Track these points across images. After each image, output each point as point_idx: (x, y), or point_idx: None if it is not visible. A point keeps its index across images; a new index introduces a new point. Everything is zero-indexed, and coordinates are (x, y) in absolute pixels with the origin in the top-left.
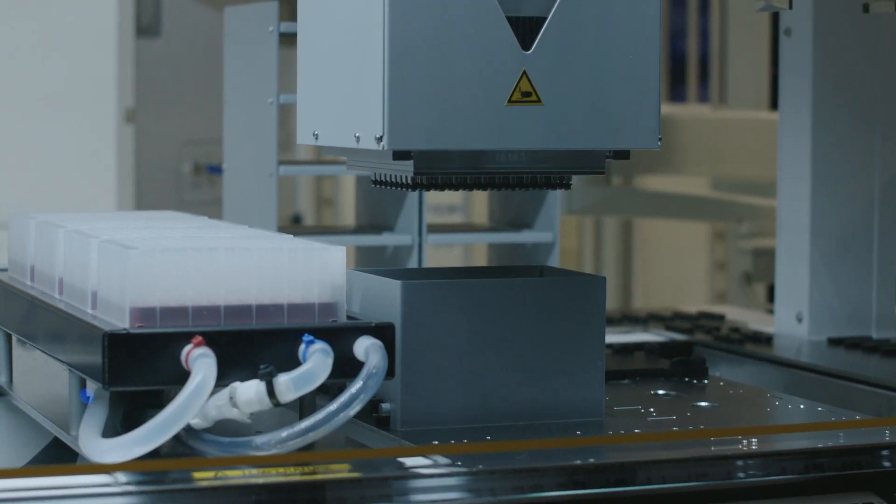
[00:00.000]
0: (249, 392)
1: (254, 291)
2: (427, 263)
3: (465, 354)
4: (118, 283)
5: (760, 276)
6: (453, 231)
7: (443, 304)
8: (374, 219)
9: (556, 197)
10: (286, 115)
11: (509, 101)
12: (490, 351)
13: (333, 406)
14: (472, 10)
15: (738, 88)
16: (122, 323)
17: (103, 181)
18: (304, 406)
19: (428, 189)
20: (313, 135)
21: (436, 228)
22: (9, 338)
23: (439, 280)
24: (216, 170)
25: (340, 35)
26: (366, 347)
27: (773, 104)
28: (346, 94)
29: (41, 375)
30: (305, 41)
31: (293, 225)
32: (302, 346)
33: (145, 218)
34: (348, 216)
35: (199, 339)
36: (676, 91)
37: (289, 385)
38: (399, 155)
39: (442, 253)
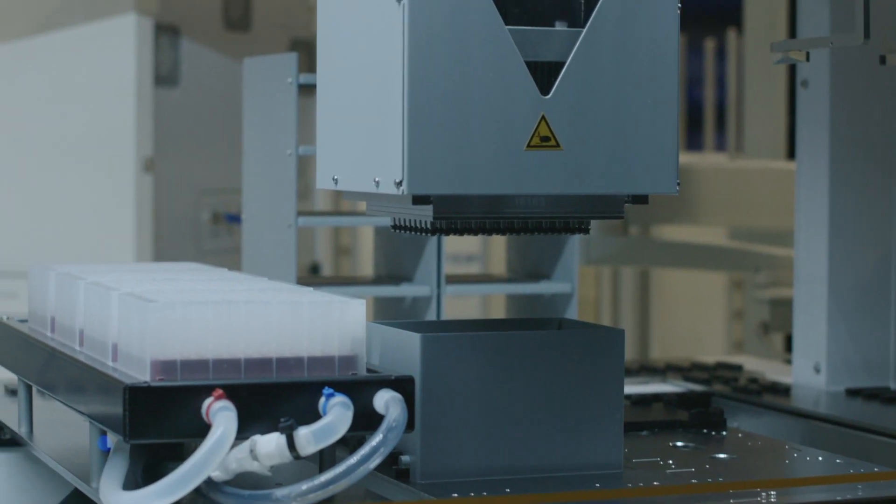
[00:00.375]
0: (270, 445)
1: (274, 344)
2: (445, 313)
3: (484, 407)
4: (139, 336)
5: (778, 325)
6: (472, 282)
7: (462, 357)
8: (393, 269)
9: (574, 247)
10: (304, 165)
11: (528, 145)
12: (509, 403)
13: (353, 459)
14: (491, 55)
15: (755, 137)
16: (143, 376)
17: (122, 230)
18: (325, 459)
19: (447, 234)
20: (333, 179)
21: (454, 279)
22: (29, 388)
23: (459, 333)
24: (234, 219)
25: (360, 79)
26: (386, 400)
27: (790, 153)
28: (365, 139)
29: (61, 426)
30: (325, 86)
31: (311, 276)
32: (322, 399)
33: (165, 270)
34: (366, 265)
35: (219, 392)
36: (693, 138)
37: (309, 438)
38: (418, 199)
39: (460, 303)
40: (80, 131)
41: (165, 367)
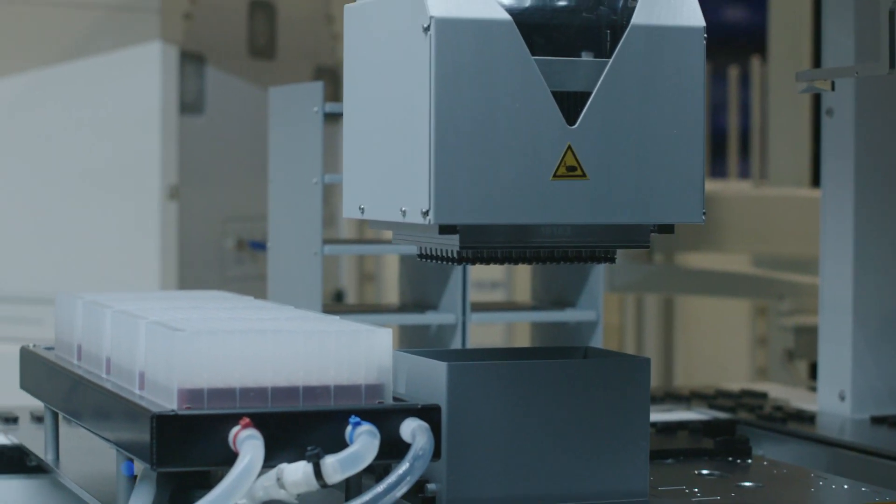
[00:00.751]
0: (297, 473)
1: (301, 373)
2: (470, 340)
3: (510, 435)
4: (166, 365)
5: (802, 353)
6: (497, 310)
7: (488, 386)
8: (418, 297)
9: (599, 275)
10: (328, 192)
11: (554, 175)
12: (535, 432)
13: (380, 487)
14: (518, 85)
15: (779, 164)
16: (170, 404)
17: (147, 257)
18: (351, 487)
19: (473, 263)
20: (359, 208)
21: (479, 307)
22: (55, 416)
23: (485, 362)
24: (259, 246)
25: (387, 109)
26: (412, 429)
27: (814, 180)
28: (392, 169)
29: (87, 454)
30: (352, 115)
31: (336, 303)
32: (349, 428)
33: (192, 298)
34: (390, 292)
35: (246, 420)
36: (717, 165)
37: (336, 466)
38: (445, 229)
39: (484, 330)
40: (106, 159)
41: (192, 395)
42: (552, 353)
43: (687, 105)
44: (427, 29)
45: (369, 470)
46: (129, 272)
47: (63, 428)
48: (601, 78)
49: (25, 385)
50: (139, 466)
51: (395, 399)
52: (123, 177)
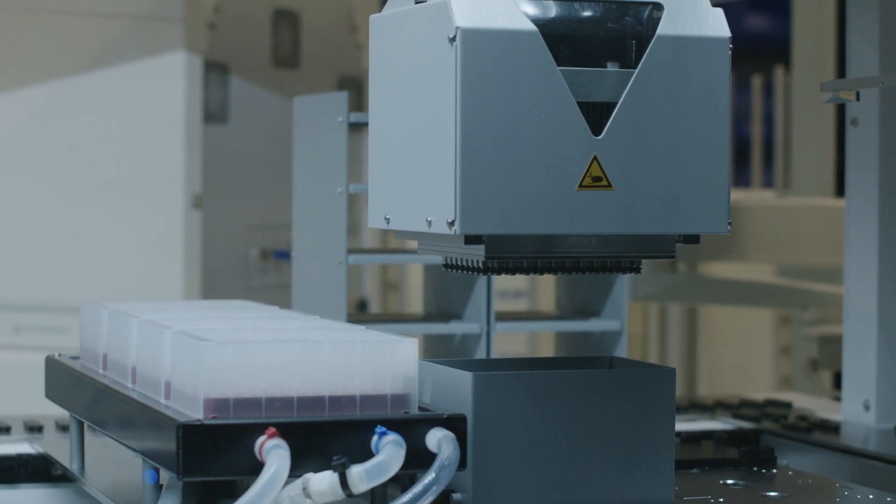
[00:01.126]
0: (323, 483)
1: (326, 383)
2: (494, 349)
3: (535, 445)
4: (192, 375)
5: (826, 362)
6: (522, 319)
7: (514, 396)
8: (442, 306)
9: (623, 284)
10: (352, 201)
11: (580, 185)
12: (560, 442)
13: (406, 497)
14: (543, 95)
15: (803, 173)
16: (196, 413)
17: (171, 266)
18: (376, 497)
19: (499, 273)
20: (385, 219)
21: (504, 316)
22: (80, 425)
23: (510, 372)
24: (283, 255)
25: (412, 119)
26: (438, 439)
27: (838, 189)
28: (418, 179)
29: (112, 463)
30: (377, 125)
31: (359, 312)
32: (374, 438)
33: (217, 308)
34: (414, 301)
35: (272, 430)
36: (740, 175)
37: (362, 476)
38: (470, 239)
39: (508, 339)
40: (130, 168)
41: (218, 405)
42: (577, 363)
43: (713, 115)
44: (453, 39)
45: (394, 480)
46: (153, 281)
47: (88, 437)
48: (627, 88)
49: (51, 394)
50: (164, 475)
51: (420, 409)
52: (147, 186)
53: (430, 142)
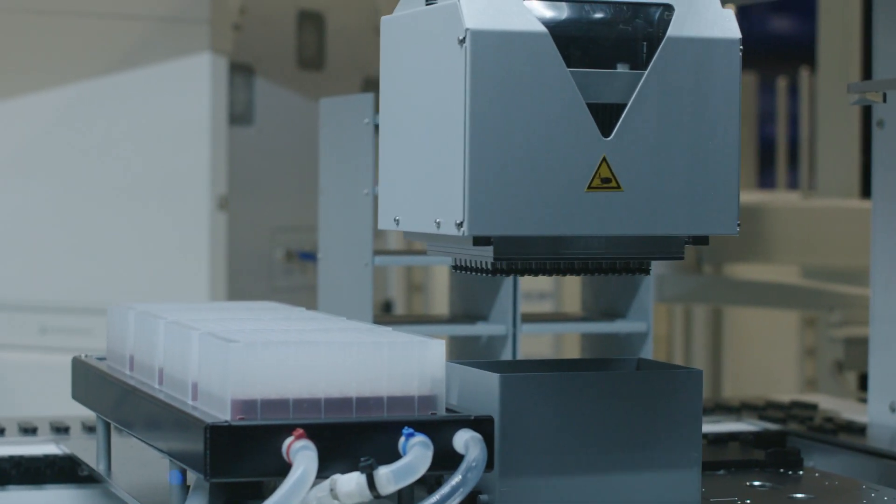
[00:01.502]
0: (350, 484)
1: (354, 384)
2: (520, 351)
3: (562, 447)
4: (219, 376)
5: (852, 364)
6: (547, 321)
7: (541, 397)
8: (468, 308)
9: (649, 286)
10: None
11: (589, 187)
12: (587, 443)
13: (434, 498)
14: (553, 97)
15: (828, 175)
16: (224, 415)
17: (197, 267)
18: (403, 498)
19: (507, 274)
20: (395, 220)
21: (530, 318)
22: (107, 426)
23: (537, 373)
24: (308, 256)
25: (422, 120)
26: (465, 440)
27: (864, 191)
28: (427, 180)
29: (139, 464)
30: (388, 126)
31: (386, 314)
32: (402, 439)
33: (244, 309)
34: (438, 302)
35: (300, 431)
36: (765, 176)
37: (389, 477)
38: (479, 241)
39: (532, 341)
40: (156, 169)
41: (246, 406)
42: (604, 365)
43: (723, 116)
44: (463, 41)
45: (421, 481)
46: (179, 283)
47: (114, 438)
48: (636, 90)
49: (77, 395)
50: (190, 476)
51: (447, 410)
52: (173, 188)
53: (439, 143)
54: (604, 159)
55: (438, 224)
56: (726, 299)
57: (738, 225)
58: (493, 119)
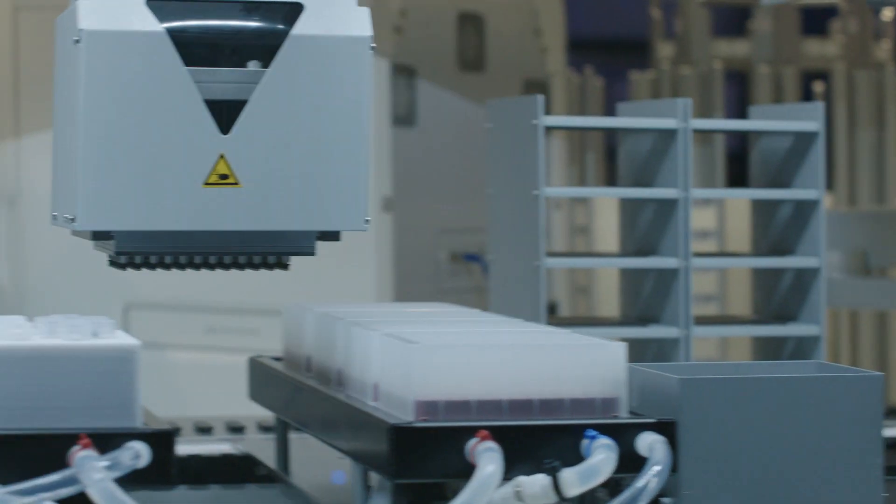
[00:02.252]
0: (535, 486)
1: (536, 386)
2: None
3: (743, 451)
4: (402, 377)
5: None
6: (719, 323)
7: (722, 401)
8: (639, 310)
9: (820, 289)
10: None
11: (206, 183)
12: (767, 447)
13: (618, 500)
14: (169, 95)
15: None
16: (406, 416)
17: (363, 268)
18: (585, 501)
19: (124, 269)
20: (53, 216)
21: (701, 320)
22: (285, 426)
23: (718, 377)
24: (472, 258)
25: (62, 119)
26: (650, 443)
27: None
28: (63, 178)
29: (317, 463)
30: (55, 126)
31: (552, 316)
32: (585, 441)
33: (420, 310)
34: (603, 304)
35: (485, 433)
36: None
37: (574, 479)
38: (99, 235)
39: (698, 343)
40: None
41: (429, 407)
42: (781, 369)
43: (351, 114)
44: (78, 41)
45: (602, 484)
46: (345, 284)
47: (290, 437)
48: (257, 88)
49: (255, 395)
50: (352, 476)
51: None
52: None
53: (69, 141)
54: (221, 156)
55: (68, 219)
56: (893, 303)
57: (367, 221)
58: (108, 117)
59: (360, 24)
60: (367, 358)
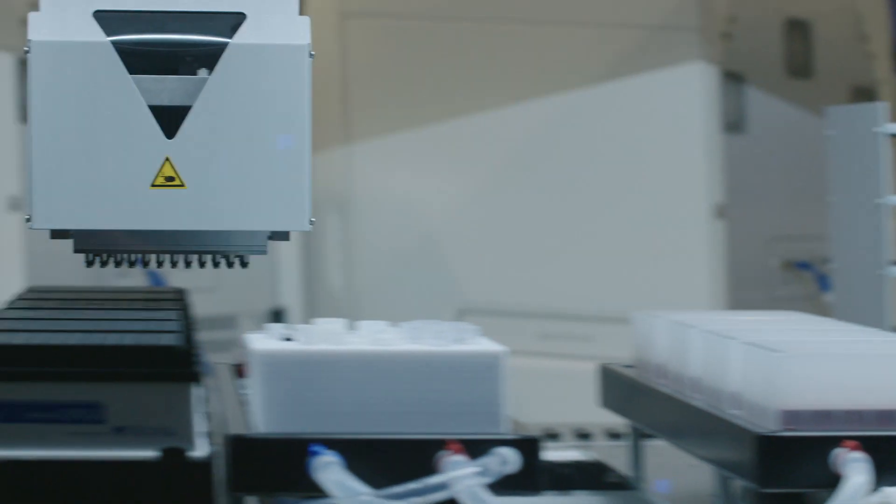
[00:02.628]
0: None
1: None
2: None
3: None
4: (765, 386)
5: None
6: None
7: None
8: None
9: None
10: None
11: (153, 185)
12: None
13: None
14: (115, 102)
15: None
16: (770, 424)
17: (694, 275)
18: None
19: (91, 265)
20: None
21: None
22: (639, 433)
23: None
24: (805, 266)
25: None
26: None
27: None
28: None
29: (669, 471)
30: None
31: None
32: None
33: (771, 319)
34: None
35: (853, 443)
36: None
37: None
38: (57, 234)
39: None
40: (649, 177)
41: (793, 416)
42: None
43: (292, 119)
44: (28, 52)
45: None
46: (677, 290)
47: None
48: (200, 93)
49: (607, 402)
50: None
51: None
52: (667, 195)
53: (30, 146)
54: (167, 159)
55: (27, 219)
56: None
57: (312, 222)
58: (56, 124)
59: (300, 32)
60: (725, 366)
